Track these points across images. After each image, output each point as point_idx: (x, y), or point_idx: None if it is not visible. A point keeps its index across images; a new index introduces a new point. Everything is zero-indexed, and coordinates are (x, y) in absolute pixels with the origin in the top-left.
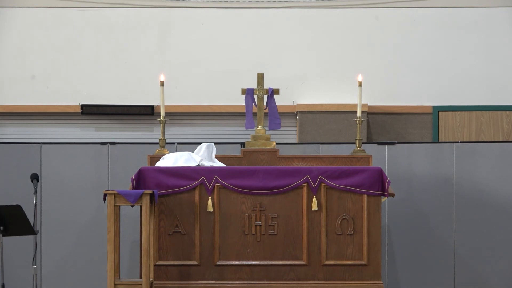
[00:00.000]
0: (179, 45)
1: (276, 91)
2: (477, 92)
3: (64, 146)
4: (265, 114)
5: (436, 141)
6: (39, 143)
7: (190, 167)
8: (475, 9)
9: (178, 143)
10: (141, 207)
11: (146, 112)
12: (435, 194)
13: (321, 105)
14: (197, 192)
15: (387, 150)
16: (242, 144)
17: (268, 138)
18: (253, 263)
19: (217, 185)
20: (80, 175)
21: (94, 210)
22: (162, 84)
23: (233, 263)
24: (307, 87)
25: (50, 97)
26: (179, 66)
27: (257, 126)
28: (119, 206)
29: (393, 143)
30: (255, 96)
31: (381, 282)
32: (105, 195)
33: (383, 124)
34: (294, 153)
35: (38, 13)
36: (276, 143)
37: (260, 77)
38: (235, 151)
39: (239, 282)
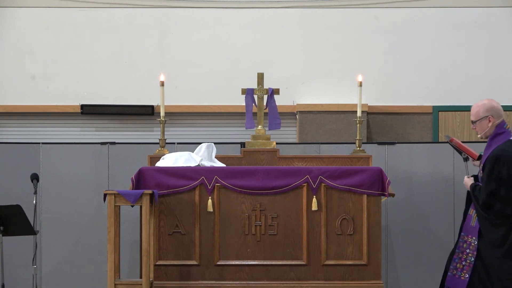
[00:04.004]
0: (179, 45)
1: (276, 91)
2: (477, 92)
3: (64, 146)
4: (265, 114)
5: (436, 141)
6: (39, 143)
7: (190, 167)
8: (475, 9)
9: (178, 143)
10: (141, 207)
11: (146, 112)
12: (435, 194)
13: (321, 105)
14: (197, 192)
15: (387, 150)
16: (242, 144)
17: (268, 138)
18: (253, 263)
19: (217, 185)
20: (80, 175)
21: (94, 210)
22: (162, 84)
23: (233, 263)
24: (307, 87)
25: (50, 97)
26: (179, 66)
27: (257, 126)
28: (119, 206)
29: (393, 143)
30: (255, 96)
31: (381, 282)
32: (105, 195)
33: (383, 124)
34: (294, 153)
35: (38, 13)
36: (276, 143)
37: (260, 77)
38: (235, 151)
39: (239, 282)
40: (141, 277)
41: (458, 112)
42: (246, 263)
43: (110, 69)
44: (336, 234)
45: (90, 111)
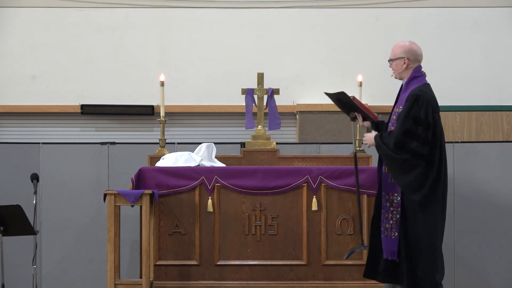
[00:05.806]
0: (179, 45)
1: (276, 91)
2: (477, 92)
3: (64, 146)
4: (265, 114)
5: None
6: (39, 143)
7: (190, 167)
8: (475, 9)
9: (178, 143)
10: (141, 207)
11: (146, 112)
12: None
13: (321, 105)
14: (197, 192)
15: None
16: (242, 144)
17: (268, 138)
18: (253, 263)
19: (217, 185)
20: (80, 175)
21: (94, 210)
22: (162, 84)
23: (233, 263)
24: (307, 87)
25: (50, 97)
26: (179, 66)
27: (257, 126)
28: (119, 206)
29: None
30: (255, 96)
31: None
32: (105, 195)
33: None
34: (294, 153)
35: (38, 13)
36: (276, 143)
37: (260, 77)
38: (235, 151)
39: (239, 282)
40: (141, 277)
41: (458, 112)
42: (246, 263)
43: (110, 69)
44: (336, 234)
45: (90, 111)
